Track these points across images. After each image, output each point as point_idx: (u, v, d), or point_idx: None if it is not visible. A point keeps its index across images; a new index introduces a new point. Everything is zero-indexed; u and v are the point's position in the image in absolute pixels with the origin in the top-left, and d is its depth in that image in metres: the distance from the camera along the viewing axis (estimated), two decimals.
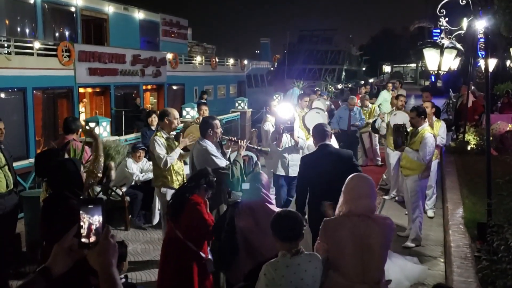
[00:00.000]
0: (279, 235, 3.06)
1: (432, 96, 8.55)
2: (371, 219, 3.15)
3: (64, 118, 6.66)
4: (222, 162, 5.14)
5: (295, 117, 7.21)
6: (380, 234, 3.13)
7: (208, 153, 5.13)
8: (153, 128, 7.91)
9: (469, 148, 11.75)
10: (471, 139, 12.03)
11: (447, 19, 5.94)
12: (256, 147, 6.57)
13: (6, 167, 5.55)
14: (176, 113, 5.99)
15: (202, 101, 15.28)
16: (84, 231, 1.56)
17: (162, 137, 5.80)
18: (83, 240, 1.56)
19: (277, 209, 3.80)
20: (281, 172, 6.85)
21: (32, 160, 8.06)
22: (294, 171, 6.58)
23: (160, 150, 5.67)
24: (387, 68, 74.46)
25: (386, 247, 3.24)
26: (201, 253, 4.13)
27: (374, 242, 3.10)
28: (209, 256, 4.21)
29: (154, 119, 8.01)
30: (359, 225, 3.12)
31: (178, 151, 5.81)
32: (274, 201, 4.06)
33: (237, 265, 3.79)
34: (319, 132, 5.11)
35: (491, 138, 6.67)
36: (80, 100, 16.61)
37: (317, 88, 22.98)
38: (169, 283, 4.16)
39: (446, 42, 5.82)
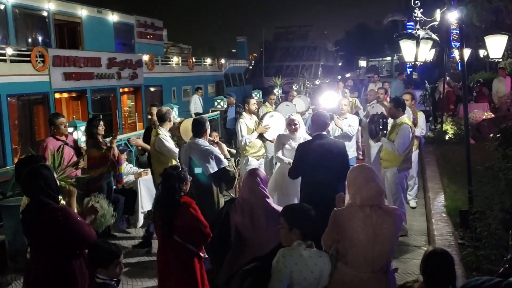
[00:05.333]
0: (302, 228, 3.12)
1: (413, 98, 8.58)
2: (382, 209, 3.22)
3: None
4: (225, 161, 5.35)
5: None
6: (391, 224, 3.20)
7: (213, 152, 5.29)
8: None
9: (447, 138, 11.94)
10: (449, 128, 12.22)
11: (421, 10, 6.00)
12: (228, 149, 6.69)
13: None
14: (172, 112, 6.62)
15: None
16: None
17: (165, 134, 6.21)
18: None
19: (276, 205, 3.81)
20: None
21: (9, 167, 7.92)
22: None
23: (170, 144, 6.06)
24: (363, 63, 74.96)
25: (396, 237, 3.33)
26: (200, 253, 4.12)
27: (385, 232, 3.17)
28: (206, 255, 4.20)
29: None
30: (371, 215, 3.17)
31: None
32: (271, 197, 4.03)
33: (227, 262, 3.78)
34: (319, 122, 5.29)
35: (468, 127, 6.76)
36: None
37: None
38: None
39: (421, 33, 5.89)
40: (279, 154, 6.28)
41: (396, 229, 3.29)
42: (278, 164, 6.58)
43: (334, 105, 8.23)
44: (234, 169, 5.42)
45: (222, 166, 5.28)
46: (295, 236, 3.11)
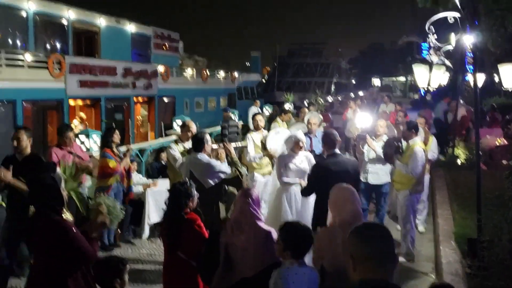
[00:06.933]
0: (295, 250, 3.19)
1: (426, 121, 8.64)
2: None
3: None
4: (227, 169, 5.44)
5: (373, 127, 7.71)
6: None
7: (212, 165, 5.37)
8: (163, 162, 8.63)
9: (458, 162, 11.84)
10: (460, 153, 12.12)
11: (435, 36, 6.01)
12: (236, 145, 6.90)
13: None
14: (193, 125, 6.72)
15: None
16: None
17: (178, 145, 6.50)
18: None
19: (265, 227, 3.78)
20: (361, 178, 7.07)
21: None
22: (373, 179, 7.17)
23: (175, 153, 6.34)
24: (376, 81, 74.99)
25: None
26: None
27: None
28: None
29: (164, 156, 8.40)
30: None
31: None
32: (263, 217, 4.01)
33: (215, 280, 3.78)
34: (329, 141, 5.43)
35: (480, 153, 6.73)
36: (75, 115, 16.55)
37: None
38: None
39: (435, 58, 5.90)
40: (285, 178, 6.11)
41: None
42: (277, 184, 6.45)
43: (369, 125, 8.07)
44: (239, 172, 5.43)
45: (223, 177, 5.36)
46: (288, 256, 3.21)
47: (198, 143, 5.54)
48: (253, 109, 17.74)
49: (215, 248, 3.85)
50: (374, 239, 2.17)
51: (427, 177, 7.77)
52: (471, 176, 7.54)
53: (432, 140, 8.01)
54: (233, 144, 6.47)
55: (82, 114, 16.48)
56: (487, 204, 5.92)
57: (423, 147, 6.81)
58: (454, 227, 7.17)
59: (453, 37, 7.52)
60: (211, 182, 5.28)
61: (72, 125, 15.85)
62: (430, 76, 5.92)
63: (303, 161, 6.18)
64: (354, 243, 2.24)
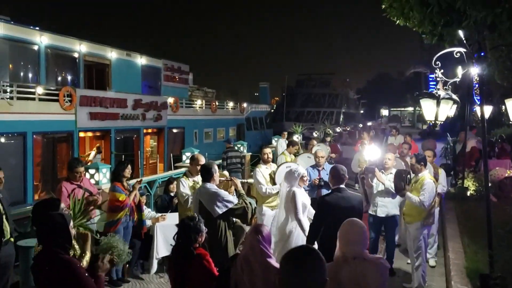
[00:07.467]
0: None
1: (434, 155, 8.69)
2: (367, 260, 3.35)
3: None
4: (234, 199, 5.51)
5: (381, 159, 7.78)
6: (375, 274, 3.33)
7: (220, 194, 5.45)
8: (172, 194, 8.52)
9: (468, 194, 11.71)
10: (470, 185, 12.00)
11: (442, 70, 6.06)
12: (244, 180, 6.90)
13: (4, 217, 5.53)
14: (202, 159, 6.69)
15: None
16: None
17: (188, 179, 6.55)
18: None
19: (276, 264, 3.74)
20: (370, 211, 7.37)
21: (28, 208, 8.03)
22: (382, 212, 7.28)
23: (184, 189, 6.40)
24: (384, 112, 75.14)
25: (382, 285, 3.41)
26: None
27: (371, 282, 3.30)
28: None
29: (174, 186, 8.32)
30: (356, 267, 3.31)
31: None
32: (273, 256, 3.98)
33: None
34: (336, 175, 5.48)
35: (489, 184, 6.67)
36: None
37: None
38: None
39: (442, 93, 5.93)
40: (302, 217, 6.06)
41: (381, 278, 3.37)
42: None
43: (377, 158, 8.14)
44: (246, 204, 5.45)
45: (230, 207, 5.41)
46: None
47: (207, 173, 5.66)
48: (281, 141, 17.61)
49: (225, 285, 3.81)
50: (289, 269, 2.31)
51: (436, 210, 7.72)
52: (481, 208, 7.47)
53: (440, 173, 7.98)
54: (239, 180, 6.51)
55: (98, 145, 16.65)
56: (499, 239, 5.84)
57: (433, 179, 6.80)
58: (466, 261, 7.04)
59: (459, 70, 7.57)
60: (218, 210, 5.33)
61: (90, 156, 16.02)
62: (437, 111, 5.94)
63: (305, 196, 6.35)
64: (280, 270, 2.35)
